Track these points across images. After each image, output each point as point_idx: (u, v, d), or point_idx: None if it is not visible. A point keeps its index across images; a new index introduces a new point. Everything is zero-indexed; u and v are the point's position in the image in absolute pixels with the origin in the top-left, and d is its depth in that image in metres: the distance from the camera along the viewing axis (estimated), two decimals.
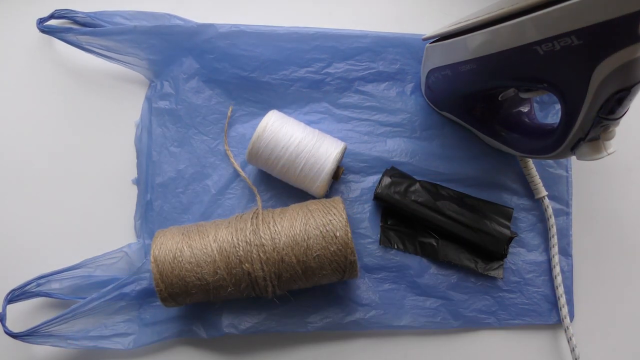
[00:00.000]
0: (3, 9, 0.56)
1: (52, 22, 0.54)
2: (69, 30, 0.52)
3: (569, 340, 0.49)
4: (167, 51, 0.53)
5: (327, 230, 0.43)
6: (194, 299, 0.46)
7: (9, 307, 0.48)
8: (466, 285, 0.52)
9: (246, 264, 0.43)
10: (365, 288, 0.51)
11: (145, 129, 0.54)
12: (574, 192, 0.54)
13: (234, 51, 0.53)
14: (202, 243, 0.44)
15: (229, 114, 0.54)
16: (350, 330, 0.51)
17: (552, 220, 0.52)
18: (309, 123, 0.52)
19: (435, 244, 0.52)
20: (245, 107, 0.54)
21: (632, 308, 0.53)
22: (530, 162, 0.52)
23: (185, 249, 0.44)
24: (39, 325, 0.47)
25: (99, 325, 0.50)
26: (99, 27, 0.53)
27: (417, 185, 0.51)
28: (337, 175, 0.50)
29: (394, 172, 0.52)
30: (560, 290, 0.51)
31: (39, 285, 0.49)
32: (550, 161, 0.54)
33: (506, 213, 0.51)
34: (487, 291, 0.52)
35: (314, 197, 0.51)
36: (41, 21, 0.53)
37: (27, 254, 0.53)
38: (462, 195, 0.52)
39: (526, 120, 0.49)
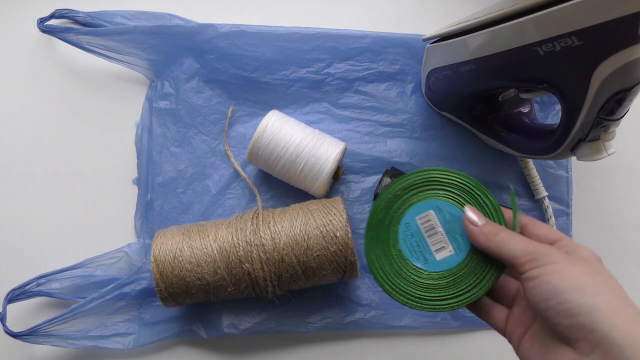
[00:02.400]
0: (3, 8, 0.56)
1: (53, 22, 0.54)
2: (69, 30, 0.52)
3: None
4: (168, 51, 0.53)
5: (327, 231, 0.43)
6: (194, 299, 0.46)
7: (9, 306, 0.48)
8: None
9: (246, 264, 0.43)
10: (366, 288, 0.51)
11: (146, 128, 0.54)
12: (574, 192, 0.54)
13: (234, 51, 0.53)
14: (203, 243, 0.44)
15: (229, 114, 0.54)
16: (350, 331, 0.51)
17: (552, 221, 0.52)
18: (309, 123, 0.52)
19: None
20: (246, 107, 0.54)
21: None
22: (531, 163, 0.52)
23: (186, 248, 0.44)
24: (39, 325, 0.47)
25: (99, 325, 0.50)
26: (99, 26, 0.53)
27: None
28: (338, 176, 0.50)
29: (394, 173, 0.52)
30: None
31: (39, 284, 0.49)
32: (551, 162, 0.54)
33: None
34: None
35: (314, 197, 0.51)
36: (42, 21, 0.53)
37: (27, 254, 0.53)
38: None
39: (526, 120, 0.49)
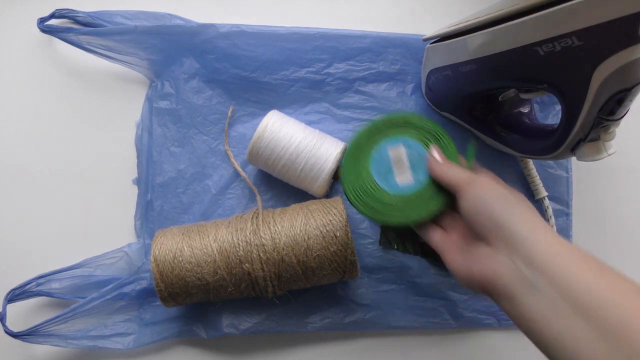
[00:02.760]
0: (4, 8, 0.56)
1: (53, 22, 0.54)
2: (69, 30, 0.52)
3: None
4: (168, 51, 0.53)
5: (327, 231, 0.43)
6: (194, 299, 0.46)
7: (9, 306, 0.48)
8: None
9: (246, 264, 0.43)
10: (365, 288, 0.51)
11: (146, 128, 0.54)
12: (574, 193, 0.54)
13: (234, 51, 0.53)
14: (202, 243, 0.44)
15: (229, 114, 0.54)
16: (350, 331, 0.51)
17: (552, 221, 0.52)
18: (310, 123, 0.52)
19: None
20: (246, 107, 0.54)
21: None
22: (531, 163, 0.52)
23: (186, 248, 0.44)
24: (39, 325, 0.47)
25: (98, 325, 0.50)
26: (99, 26, 0.53)
27: None
28: (338, 176, 0.50)
29: None
30: None
31: (39, 284, 0.49)
32: (551, 162, 0.54)
33: None
34: None
35: (314, 197, 0.51)
36: (42, 21, 0.53)
37: (27, 254, 0.53)
38: None
39: (526, 120, 0.49)
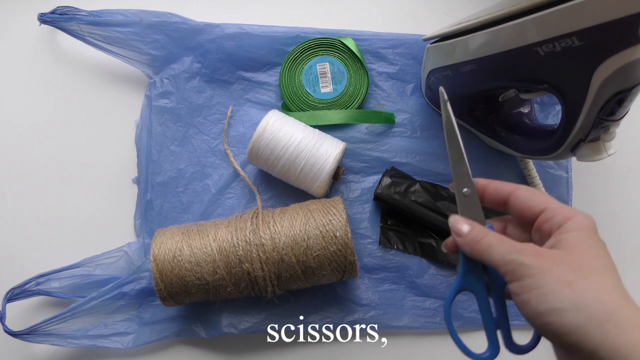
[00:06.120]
0: (4, 7, 0.56)
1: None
2: (72, 19, 0.52)
3: None
4: (170, 48, 0.53)
5: (327, 230, 0.43)
6: (194, 299, 0.46)
7: (9, 305, 0.48)
8: None
9: (246, 264, 0.43)
10: (365, 288, 0.51)
11: (145, 127, 0.54)
12: (574, 193, 0.54)
13: (238, 52, 0.53)
14: (202, 242, 0.44)
15: (229, 113, 0.54)
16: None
17: None
18: None
19: (434, 244, 0.52)
20: (246, 107, 0.54)
21: None
22: (531, 163, 0.52)
23: (185, 248, 0.44)
24: (38, 324, 0.47)
25: (98, 324, 0.50)
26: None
27: (417, 186, 0.51)
28: (337, 176, 0.50)
29: (394, 173, 0.52)
30: None
31: (38, 284, 0.49)
32: (551, 162, 0.54)
33: (506, 214, 0.51)
34: None
35: (314, 197, 0.51)
36: (43, 16, 0.53)
37: (27, 253, 0.53)
38: None
39: (526, 121, 0.49)
